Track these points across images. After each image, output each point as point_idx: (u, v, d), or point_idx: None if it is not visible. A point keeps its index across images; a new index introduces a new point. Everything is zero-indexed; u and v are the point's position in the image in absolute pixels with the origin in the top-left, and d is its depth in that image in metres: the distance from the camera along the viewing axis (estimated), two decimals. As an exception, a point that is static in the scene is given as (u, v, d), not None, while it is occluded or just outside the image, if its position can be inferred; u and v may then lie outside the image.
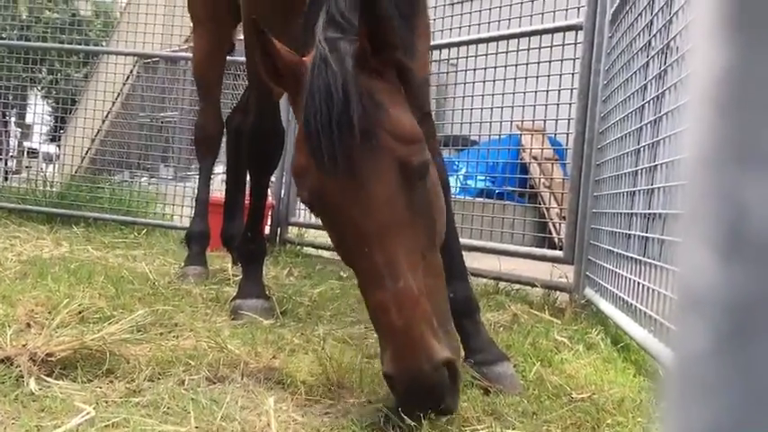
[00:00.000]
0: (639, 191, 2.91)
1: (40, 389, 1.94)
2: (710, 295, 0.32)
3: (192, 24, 4.85)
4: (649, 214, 2.73)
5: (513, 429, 1.92)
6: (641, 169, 2.91)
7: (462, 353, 2.46)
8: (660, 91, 2.75)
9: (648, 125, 2.86)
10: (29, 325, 2.47)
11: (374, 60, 1.93)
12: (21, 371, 1.99)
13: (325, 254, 5.45)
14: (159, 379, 2.13)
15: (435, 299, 1.89)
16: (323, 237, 5.74)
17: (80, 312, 2.65)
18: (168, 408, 1.88)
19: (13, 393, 1.88)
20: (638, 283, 2.70)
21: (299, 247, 5.61)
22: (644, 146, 2.90)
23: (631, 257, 2.86)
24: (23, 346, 2.10)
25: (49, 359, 2.08)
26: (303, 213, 5.84)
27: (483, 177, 5.76)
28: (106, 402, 1.89)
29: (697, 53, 0.34)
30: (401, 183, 1.86)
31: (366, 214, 1.83)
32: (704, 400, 0.32)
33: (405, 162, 1.85)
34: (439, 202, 2.04)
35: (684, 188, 0.35)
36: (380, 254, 1.82)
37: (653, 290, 2.47)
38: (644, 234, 2.77)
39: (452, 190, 2.95)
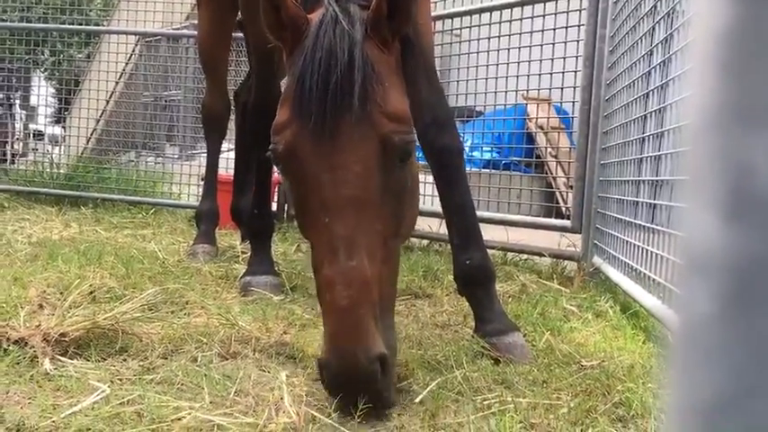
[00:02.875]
0: (647, 158, 2.89)
1: (54, 369, 1.96)
2: (714, 258, 0.32)
3: (195, 1, 4.81)
4: (657, 181, 2.72)
5: (524, 398, 1.93)
6: (648, 136, 2.89)
7: (474, 324, 2.49)
8: (666, 56, 2.72)
9: (655, 91, 2.83)
10: (41, 306, 2.49)
11: (386, 29, 1.88)
12: (35, 351, 2.01)
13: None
14: (172, 356, 2.16)
15: (385, 289, 1.81)
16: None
17: (91, 292, 2.67)
18: (182, 384, 1.90)
19: (28, 374, 1.91)
20: (647, 250, 2.69)
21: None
22: (651, 112, 2.88)
23: (639, 224, 2.86)
24: (37, 327, 2.12)
25: (63, 339, 2.11)
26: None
27: (489, 148, 5.73)
28: (120, 380, 1.91)
29: (699, 13, 0.33)
30: (379, 160, 1.79)
31: (335, 183, 1.76)
32: (708, 364, 0.32)
33: (387, 139, 1.79)
34: (413, 195, 1.98)
35: (688, 150, 0.34)
36: (340, 226, 1.74)
37: (661, 256, 2.47)
38: (652, 201, 2.76)
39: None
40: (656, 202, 2.71)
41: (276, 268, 3.43)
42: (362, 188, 1.77)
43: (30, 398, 1.78)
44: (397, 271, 1.95)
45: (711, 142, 0.33)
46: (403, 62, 2.59)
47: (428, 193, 4.11)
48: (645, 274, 2.69)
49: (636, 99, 3.11)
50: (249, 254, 3.47)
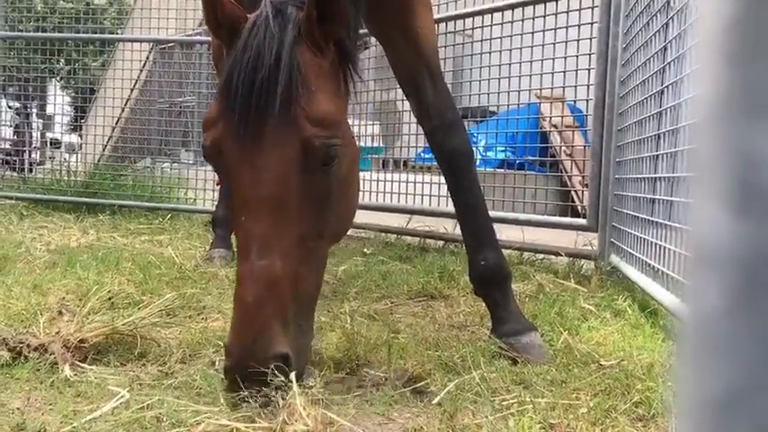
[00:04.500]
0: (663, 154, 2.87)
1: (74, 374, 1.98)
2: (723, 251, 0.32)
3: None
4: (674, 178, 2.70)
5: (543, 398, 1.92)
6: (664, 132, 2.87)
7: (491, 325, 2.48)
8: (681, 52, 2.69)
9: (670, 87, 2.81)
10: (60, 313, 2.52)
11: (318, 32, 1.88)
12: (55, 358, 2.03)
13: (348, 231, 5.45)
14: (190, 361, 2.17)
15: (303, 290, 1.83)
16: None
17: (110, 298, 2.69)
18: (200, 388, 1.91)
19: (48, 380, 1.93)
20: (665, 247, 2.67)
21: (321, 225, 5.62)
22: (666, 108, 2.86)
23: (657, 222, 2.84)
24: (56, 333, 2.14)
25: (82, 345, 2.12)
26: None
27: (503, 148, 5.72)
28: (140, 385, 1.92)
29: (704, 4, 0.33)
30: (299, 162, 1.80)
31: (253, 183, 1.79)
32: (718, 358, 0.32)
33: (308, 142, 1.80)
34: (342, 200, 1.96)
35: (694, 143, 0.34)
36: (254, 225, 1.78)
37: (680, 253, 2.45)
38: (669, 198, 2.73)
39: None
40: (673, 198, 2.69)
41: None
42: (279, 189, 1.79)
43: (50, 404, 1.79)
44: (321, 272, 1.95)
45: (718, 135, 0.32)
46: (405, 66, 2.60)
47: (442, 194, 4.10)
48: (663, 271, 2.66)
49: (651, 96, 3.09)
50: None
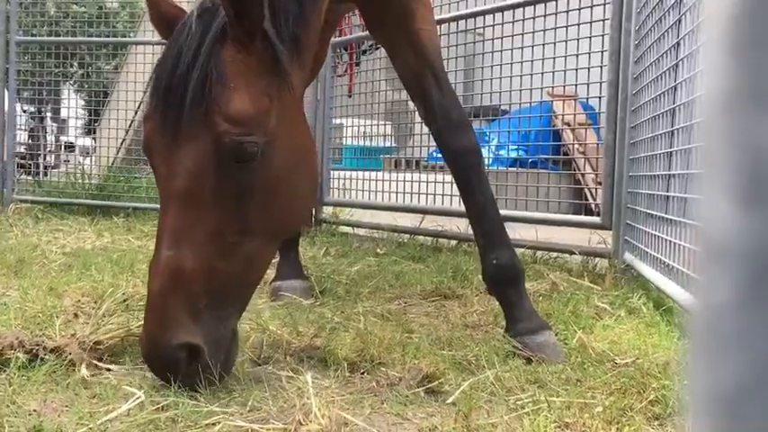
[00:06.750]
0: (677, 151, 2.85)
1: (90, 376, 1.99)
2: (732, 245, 0.32)
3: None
4: (688, 174, 2.68)
5: (558, 397, 1.91)
6: (678, 129, 2.85)
7: (505, 324, 2.47)
8: (694, 47, 2.67)
9: (684, 83, 2.79)
10: (76, 315, 2.53)
11: (239, 30, 1.88)
12: (71, 359, 2.04)
13: (361, 232, 5.46)
14: (204, 362, 2.17)
15: (220, 283, 1.84)
16: (358, 215, 5.76)
17: (125, 300, 2.71)
18: (214, 389, 1.91)
19: (65, 381, 1.94)
20: (680, 244, 2.65)
21: (334, 226, 5.64)
22: (680, 104, 2.84)
23: (671, 219, 2.81)
24: (72, 335, 2.16)
25: (98, 347, 2.14)
26: (337, 192, 5.86)
27: (515, 147, 5.70)
28: (154, 387, 1.93)
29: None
30: (212, 158, 1.83)
31: (167, 176, 1.86)
32: (729, 351, 0.32)
33: (219, 139, 1.82)
34: (275, 195, 1.95)
35: (703, 136, 0.34)
36: (166, 218, 1.84)
37: (694, 251, 2.43)
38: (683, 195, 2.71)
39: (485, 161, 2.90)
40: (687, 195, 2.67)
41: (305, 272, 3.44)
42: (190, 184, 1.84)
43: (67, 405, 1.81)
44: (250, 267, 1.95)
45: (727, 128, 0.32)
46: (408, 68, 2.60)
47: (455, 194, 4.09)
48: (678, 268, 2.64)
49: (664, 92, 3.06)
50: (278, 259, 3.49)
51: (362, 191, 5.69)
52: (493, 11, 4.78)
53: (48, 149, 9.88)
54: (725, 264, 0.32)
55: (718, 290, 0.32)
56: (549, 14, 4.34)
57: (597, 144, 4.98)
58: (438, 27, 4.27)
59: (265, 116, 1.90)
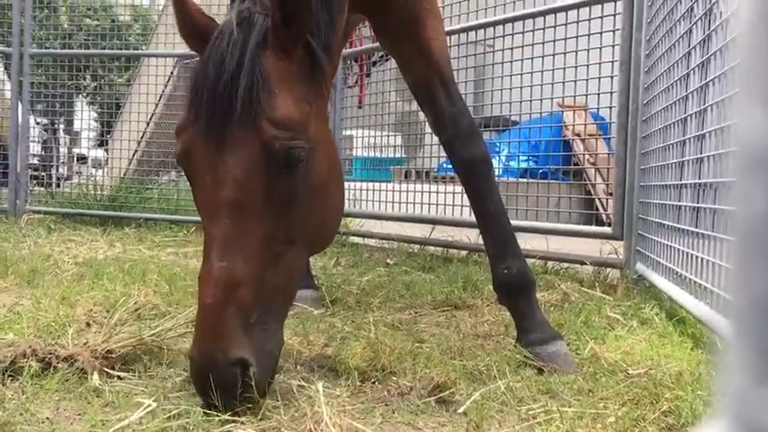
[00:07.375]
0: (688, 161, 2.84)
1: (102, 384, 2.00)
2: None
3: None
4: (700, 184, 2.67)
5: (570, 407, 1.90)
6: (689, 138, 2.84)
7: (516, 334, 2.46)
8: (705, 57, 2.67)
9: (695, 92, 2.78)
10: (88, 324, 2.55)
11: (283, 36, 1.88)
12: (84, 368, 2.05)
13: (371, 242, 5.47)
14: (216, 371, 2.17)
15: (269, 294, 1.81)
16: (368, 225, 5.76)
17: (136, 310, 2.72)
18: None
19: (77, 390, 1.95)
20: (692, 254, 2.64)
21: (344, 236, 5.64)
22: (691, 114, 2.83)
23: (683, 229, 2.80)
24: (84, 344, 2.17)
25: (110, 356, 2.14)
26: (347, 203, 5.86)
27: (525, 157, 5.70)
28: (166, 395, 1.94)
29: None
30: (261, 164, 1.80)
31: (215, 184, 1.80)
32: (765, 260, 0.32)
33: (268, 144, 1.79)
34: (316, 204, 1.93)
35: (739, 45, 0.34)
36: (216, 228, 1.79)
37: (707, 261, 2.42)
38: (695, 205, 2.70)
39: (495, 171, 2.89)
40: (699, 205, 2.66)
41: (316, 282, 3.45)
42: (240, 191, 1.80)
43: (79, 413, 1.81)
44: (292, 278, 1.92)
45: (762, 34, 0.32)
46: (418, 77, 2.61)
47: (465, 204, 4.09)
48: (691, 279, 2.63)
49: (675, 102, 3.06)
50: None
51: (373, 201, 5.70)
52: (503, 22, 4.79)
53: (60, 161, 9.95)
54: (761, 173, 0.32)
55: (755, 199, 0.33)
56: (560, 25, 4.34)
57: (608, 154, 4.98)
58: (448, 38, 4.29)
59: (308, 122, 1.90)
